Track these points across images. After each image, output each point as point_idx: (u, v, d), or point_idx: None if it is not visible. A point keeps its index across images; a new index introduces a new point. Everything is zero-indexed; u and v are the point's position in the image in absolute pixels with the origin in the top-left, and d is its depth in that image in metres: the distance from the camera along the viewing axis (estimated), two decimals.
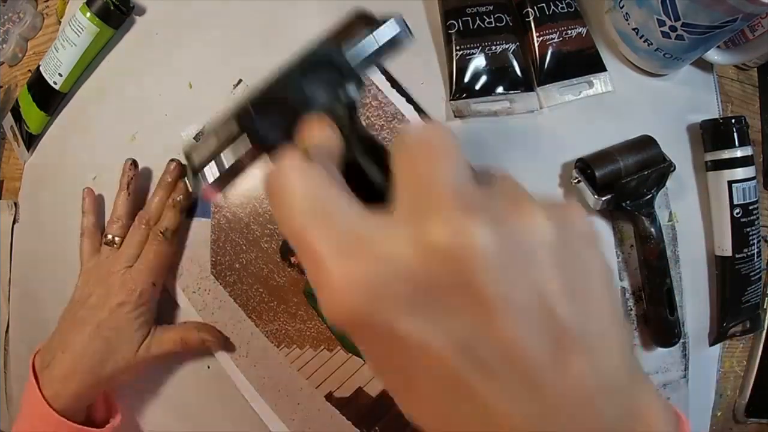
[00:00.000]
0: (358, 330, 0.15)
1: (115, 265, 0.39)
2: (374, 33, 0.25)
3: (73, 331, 0.38)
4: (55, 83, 0.45)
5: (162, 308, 0.42)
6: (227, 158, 0.23)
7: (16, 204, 0.50)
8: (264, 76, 0.24)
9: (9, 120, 0.50)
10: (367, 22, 0.26)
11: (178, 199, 0.40)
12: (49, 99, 0.46)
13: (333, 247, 0.15)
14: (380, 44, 0.25)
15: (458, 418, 0.15)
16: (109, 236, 0.41)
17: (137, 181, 0.42)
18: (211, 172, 0.23)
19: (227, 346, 0.41)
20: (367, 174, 0.19)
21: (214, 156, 0.23)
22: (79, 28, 0.44)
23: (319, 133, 0.20)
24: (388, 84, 0.42)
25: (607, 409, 0.16)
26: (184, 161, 0.30)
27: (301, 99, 0.22)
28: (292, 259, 0.41)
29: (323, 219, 0.16)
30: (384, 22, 0.25)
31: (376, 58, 0.25)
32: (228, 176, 0.23)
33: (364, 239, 0.15)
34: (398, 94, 0.42)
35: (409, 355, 0.15)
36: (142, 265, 0.39)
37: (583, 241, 0.17)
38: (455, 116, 0.42)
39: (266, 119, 0.22)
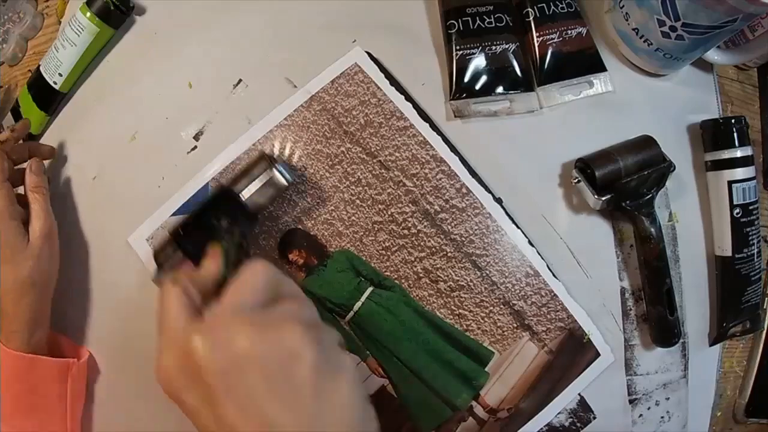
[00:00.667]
0: (172, 398, 0.25)
1: None
2: (265, 178, 0.36)
3: None
4: (55, 83, 0.45)
5: (153, 305, 0.41)
6: (166, 264, 0.36)
7: None
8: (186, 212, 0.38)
9: (9, 120, 0.50)
10: (265, 164, 0.37)
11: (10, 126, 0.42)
12: (49, 99, 0.46)
13: (165, 342, 0.25)
14: (262, 184, 0.36)
15: None
16: None
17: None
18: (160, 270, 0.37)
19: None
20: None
21: (167, 262, 0.36)
22: (79, 28, 0.43)
23: (210, 265, 0.31)
24: (387, 82, 0.42)
25: None
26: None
27: (210, 227, 0.35)
28: (290, 256, 0.42)
29: (168, 322, 0.26)
30: (266, 168, 0.36)
31: (265, 202, 0.37)
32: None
33: (174, 342, 0.25)
34: (396, 92, 0.42)
35: (193, 417, 0.24)
36: None
37: (291, 357, 0.23)
38: (455, 116, 0.42)
39: (191, 238, 0.35)
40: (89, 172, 0.45)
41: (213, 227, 0.34)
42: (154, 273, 0.37)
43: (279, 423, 0.22)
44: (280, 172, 0.36)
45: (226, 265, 0.31)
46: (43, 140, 0.48)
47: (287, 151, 0.42)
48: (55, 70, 0.45)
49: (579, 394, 0.42)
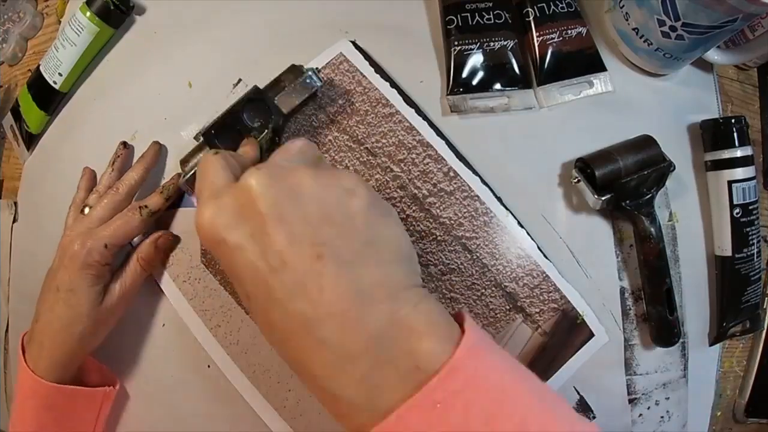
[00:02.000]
0: (213, 245, 0.24)
1: (77, 227, 0.39)
2: (293, 82, 0.38)
3: (41, 299, 0.39)
4: (55, 83, 0.45)
5: (150, 300, 0.42)
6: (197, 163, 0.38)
7: (15, 204, 0.50)
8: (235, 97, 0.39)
9: (9, 119, 0.50)
10: (293, 72, 0.39)
11: (164, 185, 0.40)
12: (49, 98, 0.46)
13: (205, 197, 0.25)
14: (296, 88, 0.38)
15: (270, 314, 0.23)
16: (85, 207, 0.40)
17: (123, 160, 0.43)
18: (189, 173, 0.38)
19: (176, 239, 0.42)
20: None
21: (190, 161, 0.39)
22: (79, 27, 0.44)
23: (248, 149, 0.34)
24: (372, 69, 0.42)
25: (367, 318, 0.22)
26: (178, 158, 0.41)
27: (242, 127, 0.37)
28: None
29: (207, 183, 0.26)
30: (301, 74, 0.39)
31: (294, 99, 0.38)
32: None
33: (221, 192, 0.25)
34: (382, 79, 0.42)
35: (235, 258, 0.24)
36: (105, 228, 0.38)
37: (347, 194, 0.24)
38: (451, 111, 0.42)
39: (221, 137, 0.37)
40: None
41: (246, 127, 0.36)
42: (182, 178, 0.39)
43: (332, 243, 0.23)
44: (309, 76, 0.38)
45: (262, 155, 0.33)
46: (43, 140, 0.48)
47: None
48: (55, 70, 0.45)
49: (579, 394, 0.42)
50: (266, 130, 0.37)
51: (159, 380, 0.43)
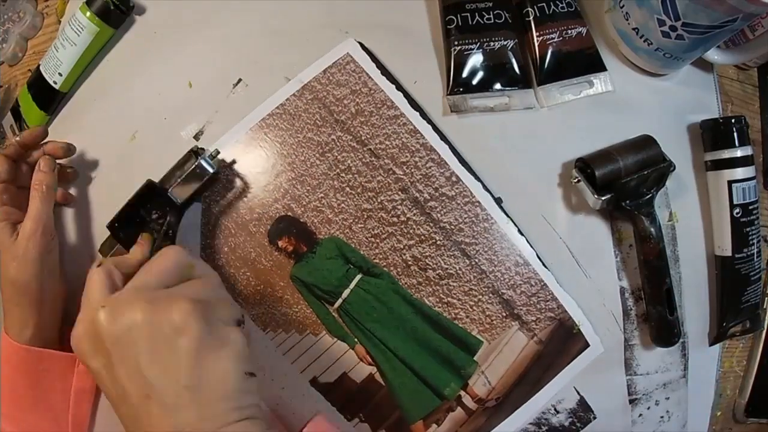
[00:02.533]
0: (83, 361, 0.28)
1: None
2: (188, 172, 0.39)
3: None
4: (55, 83, 0.45)
5: None
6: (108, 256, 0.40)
7: None
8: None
9: (9, 119, 0.50)
10: (190, 160, 0.39)
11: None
12: (49, 98, 0.46)
13: (81, 315, 0.28)
14: (186, 174, 0.39)
15: (129, 423, 0.27)
16: None
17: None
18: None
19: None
20: None
21: (105, 254, 0.41)
22: (79, 27, 0.43)
23: (137, 250, 0.36)
24: (378, 72, 0.42)
25: None
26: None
27: (141, 220, 0.38)
28: (280, 243, 0.42)
29: (86, 299, 0.29)
30: (189, 160, 0.39)
31: (191, 192, 0.39)
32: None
33: (88, 314, 0.28)
34: (388, 82, 0.42)
35: (97, 379, 0.27)
36: None
37: (172, 327, 0.26)
38: (451, 111, 0.42)
39: (125, 230, 0.38)
40: (89, 172, 0.45)
41: (143, 220, 0.38)
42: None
43: (157, 385, 0.25)
44: (200, 165, 0.39)
45: (152, 251, 0.35)
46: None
47: (278, 139, 0.42)
48: (55, 70, 0.45)
49: (579, 394, 0.42)
50: (161, 225, 0.38)
51: None
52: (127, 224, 0.38)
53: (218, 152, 0.40)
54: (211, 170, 0.39)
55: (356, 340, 0.41)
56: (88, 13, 0.43)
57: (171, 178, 0.39)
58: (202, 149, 0.40)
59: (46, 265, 0.39)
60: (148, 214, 0.38)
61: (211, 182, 0.41)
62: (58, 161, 0.41)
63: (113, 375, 0.26)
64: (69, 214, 0.44)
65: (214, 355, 0.26)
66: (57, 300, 0.40)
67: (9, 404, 0.39)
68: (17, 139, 0.40)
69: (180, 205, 0.39)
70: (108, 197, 0.45)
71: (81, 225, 0.44)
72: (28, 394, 0.39)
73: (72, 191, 0.45)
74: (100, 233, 0.44)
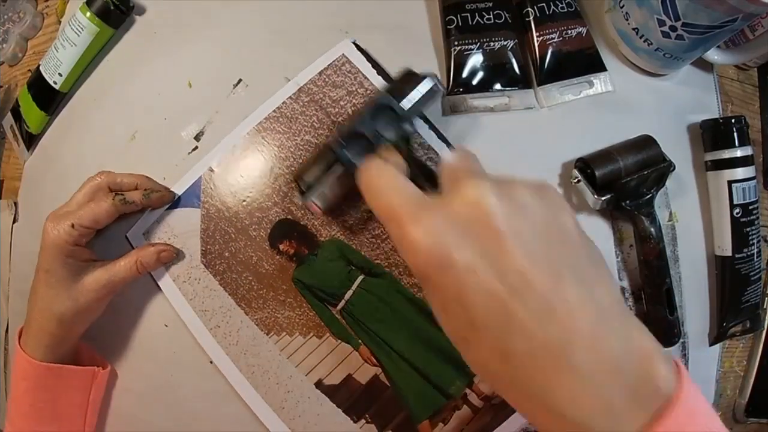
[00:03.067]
0: (435, 269, 0.22)
1: (57, 211, 0.39)
2: (417, 88, 0.36)
3: (31, 285, 0.39)
4: (55, 83, 0.45)
5: (150, 300, 0.42)
6: (329, 183, 0.36)
7: (16, 204, 0.50)
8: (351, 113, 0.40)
9: (9, 120, 0.50)
10: (413, 78, 0.37)
11: (150, 188, 0.41)
12: (49, 99, 0.46)
13: (410, 213, 0.23)
14: (423, 94, 0.36)
15: (509, 342, 0.21)
16: None
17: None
18: (318, 195, 0.36)
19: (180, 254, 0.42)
20: (419, 183, 0.27)
21: (317, 181, 0.36)
22: (79, 27, 0.44)
23: (391, 158, 0.32)
24: (374, 72, 0.42)
25: (612, 342, 0.21)
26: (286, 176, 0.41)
27: (374, 135, 0.34)
28: (281, 247, 0.42)
29: (401, 196, 0.24)
30: (423, 79, 0.36)
31: (421, 106, 0.36)
32: (330, 197, 0.36)
33: (427, 206, 0.23)
34: (384, 82, 0.42)
35: (465, 281, 0.21)
36: (79, 210, 0.38)
37: (558, 208, 0.24)
38: (451, 111, 0.42)
39: (352, 150, 0.34)
40: (88, 173, 0.45)
41: (377, 136, 0.34)
42: (299, 197, 0.37)
43: (567, 264, 0.22)
44: (436, 85, 0.37)
45: (409, 159, 0.32)
46: (43, 140, 0.48)
47: (275, 143, 0.42)
48: (55, 70, 0.45)
49: None
50: (400, 140, 0.35)
51: (158, 379, 0.43)
52: (355, 142, 0.34)
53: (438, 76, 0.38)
54: (442, 89, 0.38)
55: (360, 341, 0.41)
56: (88, 14, 0.43)
57: (399, 95, 0.36)
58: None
59: (97, 315, 0.40)
60: (382, 130, 0.34)
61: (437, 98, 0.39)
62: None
63: (503, 262, 0.21)
64: None
65: (586, 236, 0.24)
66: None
67: (23, 418, 0.39)
68: (144, 200, 0.40)
69: (410, 115, 0.36)
70: None
71: None
72: (46, 409, 0.39)
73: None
74: (101, 235, 0.44)
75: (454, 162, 0.27)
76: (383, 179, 0.25)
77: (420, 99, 0.36)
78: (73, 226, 0.37)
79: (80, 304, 0.38)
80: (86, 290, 0.38)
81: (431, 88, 0.36)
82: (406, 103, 0.35)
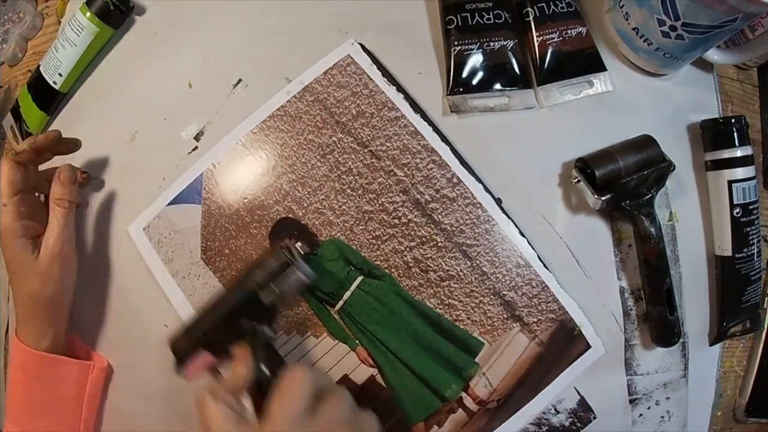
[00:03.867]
0: None
1: None
2: (286, 279, 0.34)
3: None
4: (55, 83, 0.45)
5: (150, 296, 0.42)
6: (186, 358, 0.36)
7: None
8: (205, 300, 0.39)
9: (9, 120, 0.50)
10: (282, 264, 0.35)
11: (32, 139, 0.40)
12: (49, 99, 0.46)
13: None
14: (288, 288, 0.34)
15: None
16: None
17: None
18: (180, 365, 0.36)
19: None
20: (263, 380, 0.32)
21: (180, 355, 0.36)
22: (79, 27, 0.44)
23: (243, 366, 0.32)
24: (379, 73, 0.42)
25: None
26: None
27: (234, 333, 0.34)
28: (282, 245, 0.42)
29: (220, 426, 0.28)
30: (294, 267, 0.34)
31: (292, 299, 0.37)
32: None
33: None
34: (388, 83, 0.42)
35: None
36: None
37: None
38: (451, 111, 0.42)
39: (212, 339, 0.35)
40: (89, 172, 0.45)
41: (239, 328, 0.34)
42: (174, 367, 0.36)
43: None
44: (303, 271, 0.35)
45: (257, 367, 0.32)
46: None
47: (278, 141, 0.42)
48: (55, 70, 0.45)
49: (579, 394, 0.42)
50: (258, 334, 0.34)
51: (158, 378, 0.43)
52: (218, 331, 0.35)
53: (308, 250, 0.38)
54: (311, 277, 0.35)
55: (357, 342, 0.41)
56: (88, 14, 0.43)
57: (261, 282, 0.34)
58: (292, 251, 0.35)
59: (69, 281, 0.40)
60: (239, 322, 0.34)
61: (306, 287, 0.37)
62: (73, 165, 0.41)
63: None
64: None
65: None
66: (71, 310, 0.41)
67: (20, 410, 0.40)
68: (31, 144, 0.39)
69: (274, 311, 0.35)
70: (108, 197, 0.45)
71: (80, 225, 0.44)
72: (42, 400, 0.40)
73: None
74: (100, 235, 0.44)
75: (281, 384, 0.29)
76: (210, 416, 0.29)
77: (287, 291, 0.34)
78: (5, 205, 0.38)
79: (45, 274, 0.38)
80: (42, 260, 0.38)
81: (292, 278, 0.34)
82: (268, 296, 0.34)
